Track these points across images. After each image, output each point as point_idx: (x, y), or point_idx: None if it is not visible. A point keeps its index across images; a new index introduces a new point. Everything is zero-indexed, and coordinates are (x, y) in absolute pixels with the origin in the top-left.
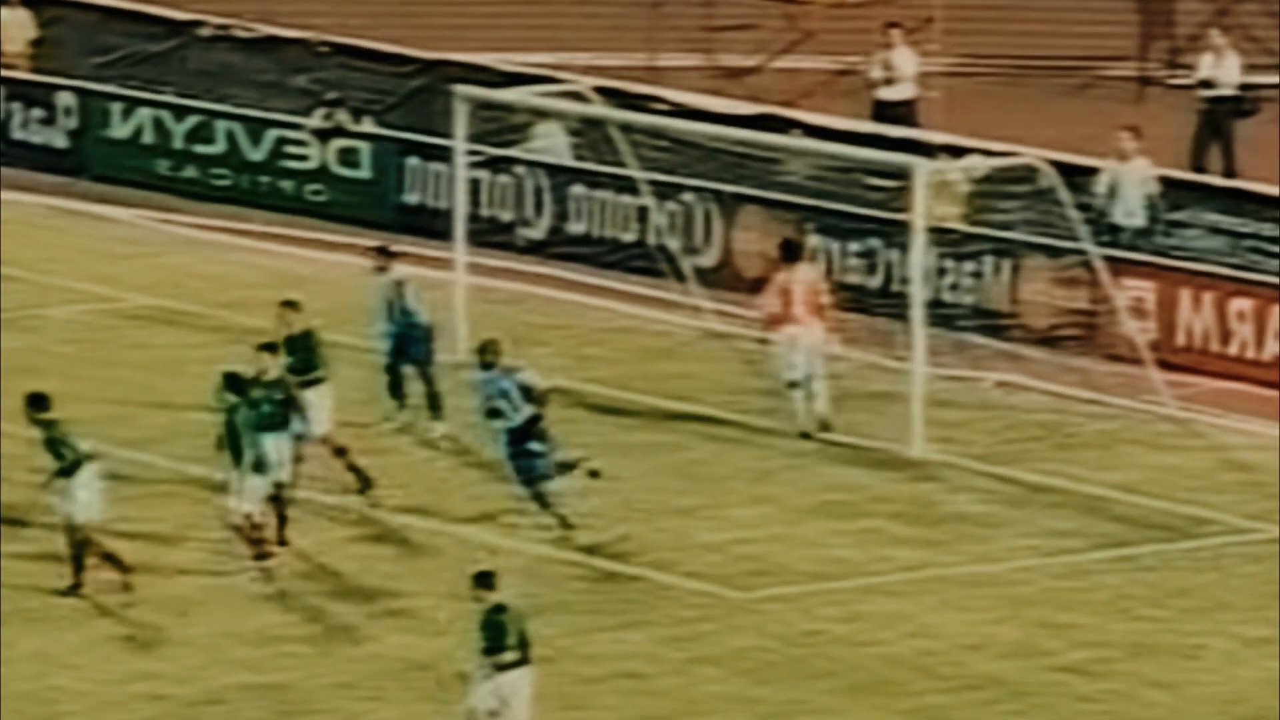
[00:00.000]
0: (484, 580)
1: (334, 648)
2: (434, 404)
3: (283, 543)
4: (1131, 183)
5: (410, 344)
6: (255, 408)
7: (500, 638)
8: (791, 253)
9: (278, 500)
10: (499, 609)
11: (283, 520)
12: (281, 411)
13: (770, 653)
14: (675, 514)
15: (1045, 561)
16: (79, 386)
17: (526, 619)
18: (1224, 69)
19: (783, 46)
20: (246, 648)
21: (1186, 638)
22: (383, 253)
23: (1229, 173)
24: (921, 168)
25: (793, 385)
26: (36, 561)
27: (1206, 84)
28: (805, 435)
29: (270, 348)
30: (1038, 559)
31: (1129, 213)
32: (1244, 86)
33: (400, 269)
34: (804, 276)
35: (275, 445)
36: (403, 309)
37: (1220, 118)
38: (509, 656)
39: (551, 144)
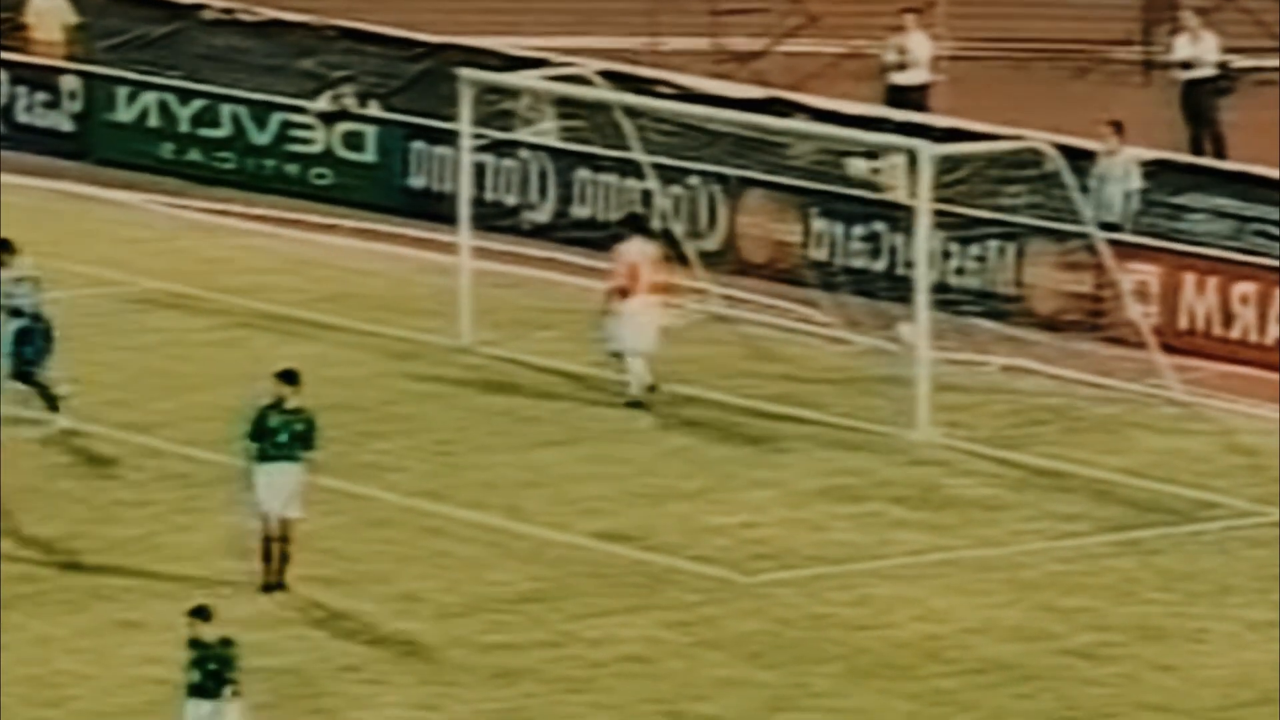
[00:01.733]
0: (200, 614)
1: (339, 632)
2: (50, 402)
3: (280, 584)
4: (1113, 177)
5: (28, 341)
6: (272, 436)
7: (217, 674)
8: (635, 226)
9: (283, 539)
10: (225, 643)
11: (284, 559)
12: (299, 442)
13: (775, 636)
14: (680, 498)
15: (1050, 545)
16: (84, 371)
17: (240, 655)
18: (1200, 49)
19: (788, 30)
20: (252, 631)
21: (1191, 621)
22: (3, 248)
23: (1219, 153)
24: (926, 151)
25: (616, 355)
26: (40, 545)
27: (1184, 65)
28: (635, 404)
29: (288, 376)
30: (1043, 543)
31: (1103, 205)
32: (1221, 65)
33: (22, 266)
34: (646, 251)
35: (286, 475)
36: (22, 306)
37: (1199, 98)
38: (225, 693)
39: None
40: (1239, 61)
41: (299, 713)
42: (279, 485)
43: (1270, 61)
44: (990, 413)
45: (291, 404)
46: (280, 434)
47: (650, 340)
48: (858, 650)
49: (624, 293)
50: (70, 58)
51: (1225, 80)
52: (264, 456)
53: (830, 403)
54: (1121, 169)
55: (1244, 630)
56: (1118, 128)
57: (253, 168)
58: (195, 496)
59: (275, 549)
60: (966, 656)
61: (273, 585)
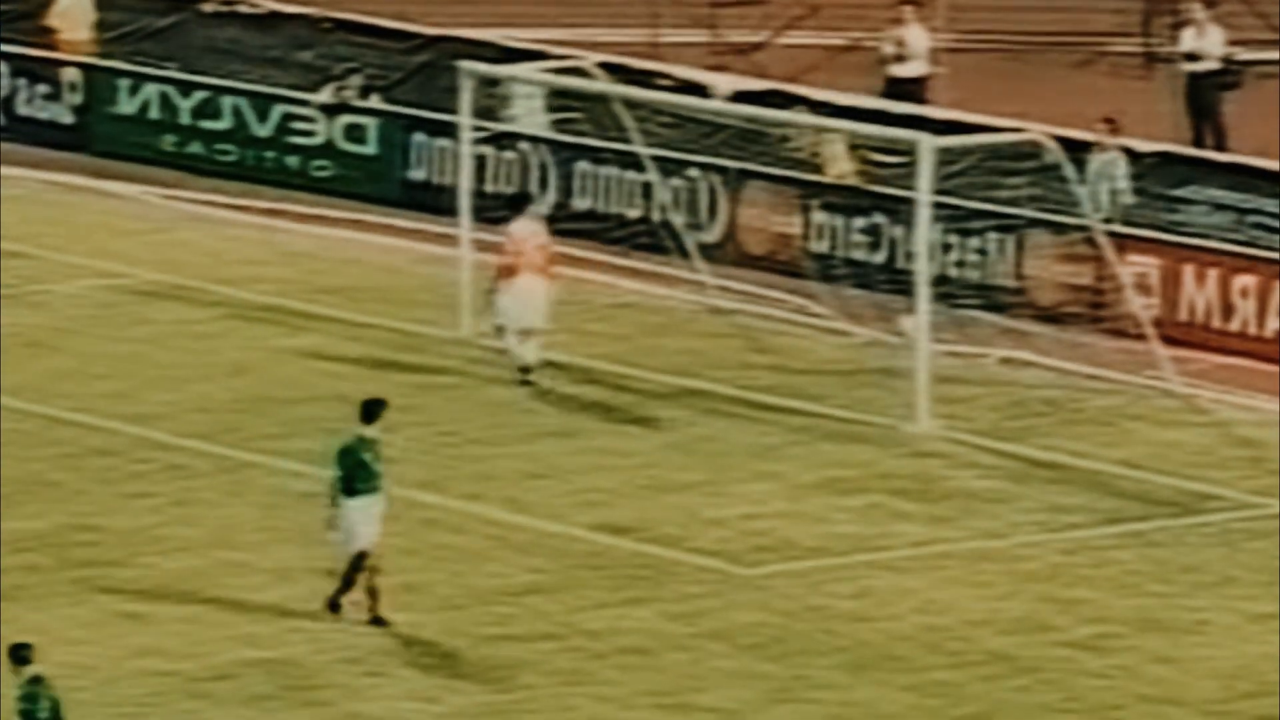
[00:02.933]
0: (17, 654)
1: (338, 623)
2: None
3: (378, 620)
4: (1102, 174)
5: None
6: (365, 469)
7: (34, 715)
8: (518, 206)
9: (373, 569)
10: (34, 680)
11: (375, 590)
12: (381, 469)
13: (775, 628)
14: (680, 490)
15: (1050, 537)
16: (85, 362)
17: (59, 699)
18: (1207, 42)
19: (788, 22)
20: (251, 623)
21: (1191, 613)
22: None
23: (1220, 146)
24: (927, 143)
25: (500, 330)
26: (40, 537)
27: (1190, 57)
28: (525, 374)
29: (378, 405)
30: (1043, 535)
31: (1093, 201)
32: (1227, 59)
33: None
34: (531, 230)
35: (377, 506)
36: None
37: (1204, 91)
38: None
39: (529, 118)
40: (1240, 54)
41: (298, 704)
42: (371, 517)
43: (1271, 54)
44: (990, 405)
45: (371, 433)
46: (374, 465)
47: (539, 316)
48: (858, 642)
49: (511, 270)
50: (99, 56)
51: (1230, 74)
52: (355, 491)
53: (830, 395)
54: (1109, 166)
55: (1244, 622)
56: (1110, 124)
57: (253, 160)
58: (194, 488)
59: (368, 580)
60: (967, 648)
61: (379, 619)
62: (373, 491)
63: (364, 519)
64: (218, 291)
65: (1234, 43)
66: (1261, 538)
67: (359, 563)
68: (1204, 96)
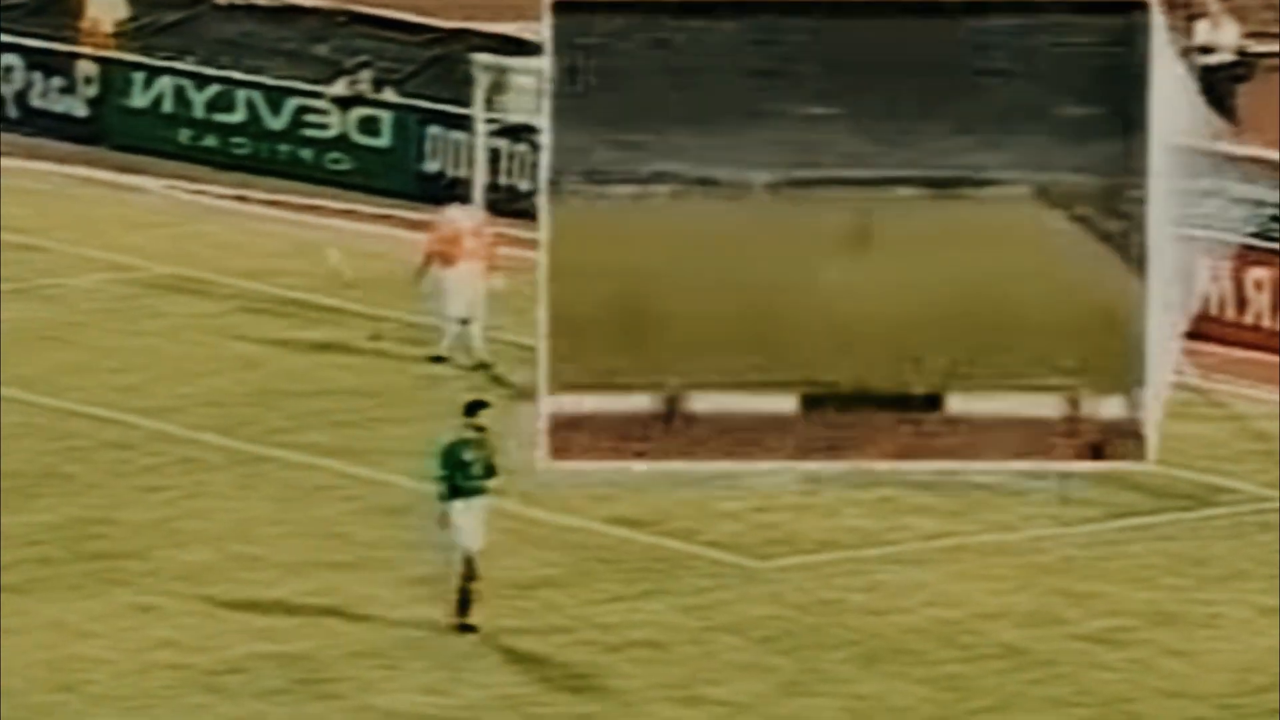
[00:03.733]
0: None
1: (351, 617)
2: None
3: (466, 628)
4: None
5: None
6: (465, 469)
7: None
8: (457, 194)
9: (475, 577)
10: None
11: (474, 596)
12: (488, 472)
13: (788, 622)
14: (692, 483)
15: (1063, 531)
16: (98, 356)
17: None
18: (1220, 35)
19: None
20: (265, 617)
21: (1204, 606)
22: None
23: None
24: None
25: (464, 322)
26: (53, 530)
27: (1203, 50)
28: (481, 367)
29: (481, 405)
30: (1055, 528)
31: None
32: (1240, 52)
33: None
34: (470, 218)
35: (479, 509)
36: None
37: (1217, 84)
38: None
39: (521, 102)
40: (1253, 46)
41: (311, 698)
42: (474, 520)
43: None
44: None
45: (476, 434)
46: (474, 466)
47: (478, 306)
48: (870, 635)
49: (448, 259)
50: (120, 50)
51: (1244, 67)
52: (457, 492)
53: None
54: None
55: (1257, 615)
56: None
57: (267, 153)
58: (208, 481)
59: (471, 588)
60: (979, 642)
61: (468, 627)
62: (473, 494)
63: (466, 520)
64: (231, 284)
65: (1248, 35)
66: (1274, 530)
67: (470, 568)
68: (1217, 89)
